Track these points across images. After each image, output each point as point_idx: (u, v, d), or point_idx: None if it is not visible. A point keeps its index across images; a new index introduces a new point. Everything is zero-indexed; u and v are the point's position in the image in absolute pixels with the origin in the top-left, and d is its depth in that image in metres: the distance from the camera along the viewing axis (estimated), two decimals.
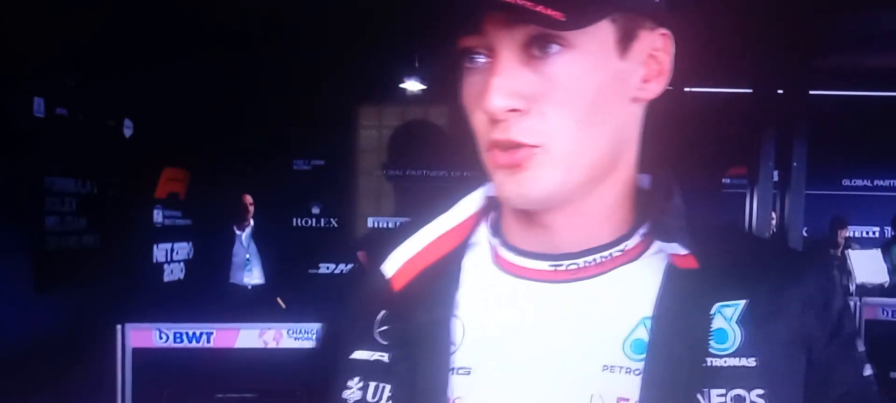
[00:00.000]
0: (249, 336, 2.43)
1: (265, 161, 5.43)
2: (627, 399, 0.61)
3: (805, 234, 5.00)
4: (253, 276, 5.06)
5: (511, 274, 0.68)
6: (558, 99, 0.59)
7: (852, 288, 4.82)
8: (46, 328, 3.35)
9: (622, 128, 0.65)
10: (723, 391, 0.61)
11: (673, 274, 0.65)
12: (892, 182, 6.82)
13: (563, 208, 0.65)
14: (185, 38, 4.23)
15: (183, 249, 5.01)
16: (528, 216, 0.66)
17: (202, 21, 4.06)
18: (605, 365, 0.63)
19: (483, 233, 0.72)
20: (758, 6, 3.71)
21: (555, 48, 0.59)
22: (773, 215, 4.83)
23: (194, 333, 2.43)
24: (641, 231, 0.67)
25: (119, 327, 2.44)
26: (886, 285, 5.18)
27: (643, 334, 0.63)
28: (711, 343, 0.62)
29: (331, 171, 6.01)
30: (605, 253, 0.66)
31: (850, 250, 5.34)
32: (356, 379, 0.67)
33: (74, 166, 3.83)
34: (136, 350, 2.48)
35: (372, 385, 0.66)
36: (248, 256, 5.03)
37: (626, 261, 0.66)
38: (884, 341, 2.94)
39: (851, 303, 2.55)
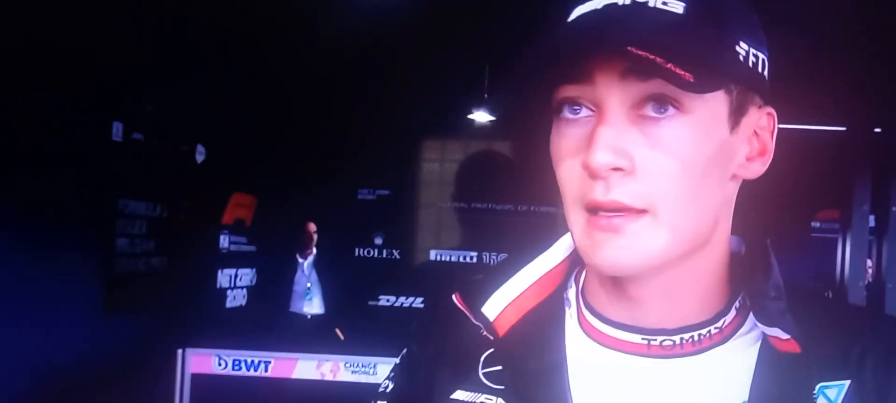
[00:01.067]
0: (307, 367, 2.40)
1: (330, 189, 5.46)
2: None
3: None
4: (313, 306, 5.06)
5: (599, 342, 0.66)
6: (669, 163, 0.57)
7: None
8: (112, 350, 3.39)
9: (721, 204, 0.63)
10: None
11: (770, 356, 0.62)
12: None
13: (655, 280, 0.62)
14: (257, 67, 4.31)
15: (246, 275, 5.07)
16: (617, 286, 0.64)
17: (274, 50, 4.13)
18: None
19: (572, 288, 0.71)
20: (855, 38, 3.53)
21: (671, 111, 0.57)
22: (869, 263, 4.51)
23: (253, 361, 2.42)
24: (736, 304, 0.66)
25: (180, 351, 2.44)
26: None
27: None
28: None
29: (395, 201, 6.01)
30: (703, 332, 0.64)
31: None
32: None
33: (147, 190, 3.91)
34: (195, 376, 2.48)
35: None
36: (309, 285, 5.03)
37: (722, 340, 0.65)
38: None
39: None
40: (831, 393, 0.61)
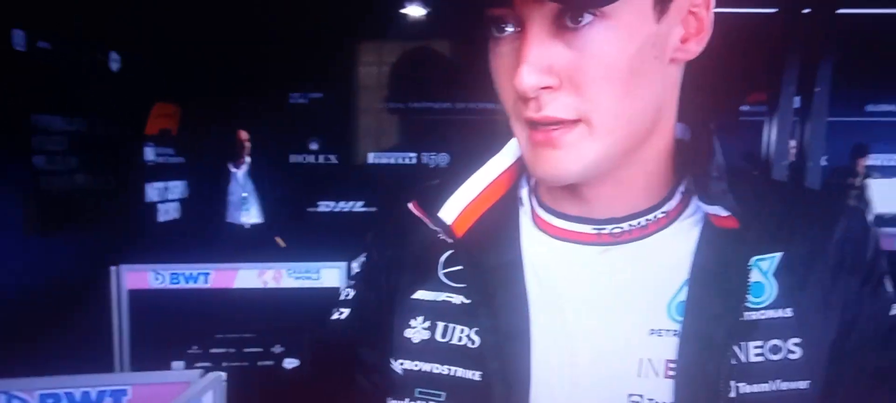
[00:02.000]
0: (248, 277, 2.37)
1: (260, 95, 5.27)
2: (675, 362, 0.62)
3: (824, 163, 4.81)
4: (250, 215, 4.98)
5: (552, 235, 0.69)
6: (594, 71, 0.57)
7: (870, 217, 4.75)
8: (40, 272, 3.29)
9: (661, 93, 0.63)
10: (760, 343, 0.62)
11: (710, 233, 0.65)
12: None
13: (603, 179, 0.64)
14: None
15: (177, 188, 4.92)
16: (566, 186, 0.66)
17: None
18: (652, 329, 0.64)
19: (524, 187, 0.73)
20: None
21: (588, 18, 0.56)
22: (792, 144, 4.68)
23: (191, 274, 2.37)
24: (681, 189, 0.68)
25: (114, 269, 2.36)
26: None
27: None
28: (748, 296, 0.63)
29: (329, 105, 5.86)
30: (650, 216, 0.67)
31: (870, 179, 5.24)
32: (420, 318, 0.69)
33: (61, 103, 3.68)
34: (132, 292, 2.41)
35: (440, 325, 0.68)
36: (244, 194, 4.93)
37: (667, 223, 0.67)
38: None
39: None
40: (764, 265, 0.64)
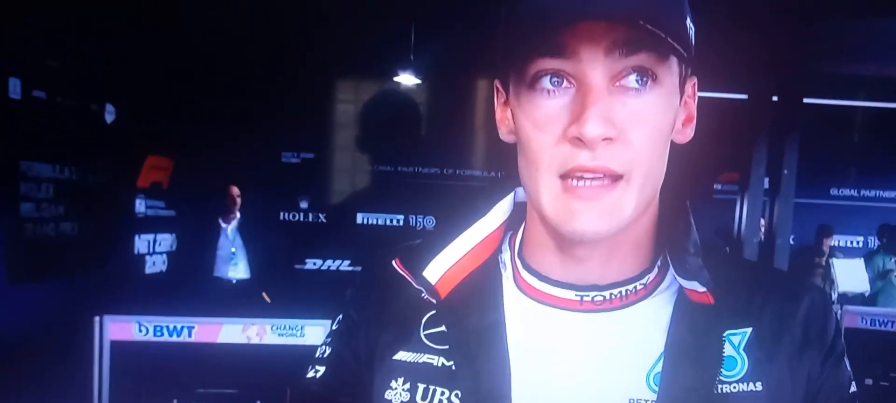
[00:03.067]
0: (233, 332, 2.34)
1: (253, 152, 5.31)
2: None
3: (792, 242, 5.00)
4: (238, 270, 4.95)
5: (535, 299, 0.70)
6: (645, 132, 0.61)
7: (834, 296, 4.86)
8: (22, 320, 3.23)
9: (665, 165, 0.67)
10: None
11: (685, 307, 0.68)
12: (877, 193, 6.89)
13: (603, 242, 0.65)
14: (171, 22, 4.11)
15: (166, 240, 4.90)
16: (563, 247, 0.67)
17: (191, 5, 3.95)
18: (631, 399, 0.65)
19: (506, 252, 0.74)
20: (757, 12, 3.73)
21: (650, 83, 0.60)
22: (762, 222, 4.85)
23: (175, 327, 2.34)
24: (658, 262, 0.70)
25: (97, 319, 2.33)
26: (867, 294, 5.36)
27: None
28: (722, 370, 0.65)
29: (320, 165, 5.91)
30: (630, 287, 0.68)
31: (834, 259, 5.47)
32: (400, 380, 0.68)
33: (52, 151, 3.69)
34: (114, 344, 2.37)
35: (421, 387, 0.67)
36: (233, 250, 4.91)
37: (645, 294, 0.69)
38: (860, 349, 2.93)
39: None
40: (736, 340, 0.67)
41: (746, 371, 0.66)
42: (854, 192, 6.91)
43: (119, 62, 3.97)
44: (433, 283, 0.70)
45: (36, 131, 3.58)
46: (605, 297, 0.68)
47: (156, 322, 2.37)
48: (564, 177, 0.61)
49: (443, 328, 0.69)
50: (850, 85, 5.99)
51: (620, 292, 0.68)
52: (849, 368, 0.71)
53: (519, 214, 0.74)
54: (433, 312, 0.70)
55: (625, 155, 0.60)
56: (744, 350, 0.66)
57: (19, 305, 3.29)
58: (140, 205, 4.63)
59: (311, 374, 0.75)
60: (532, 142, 0.63)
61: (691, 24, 0.64)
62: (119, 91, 4.17)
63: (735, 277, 0.69)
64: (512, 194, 0.74)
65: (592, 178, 0.60)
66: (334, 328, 0.77)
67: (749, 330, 0.67)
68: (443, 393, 0.66)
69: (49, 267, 3.62)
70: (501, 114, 0.70)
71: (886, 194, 6.87)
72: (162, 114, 4.48)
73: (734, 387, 0.65)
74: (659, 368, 0.66)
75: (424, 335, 0.70)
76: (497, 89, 0.71)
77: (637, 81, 0.60)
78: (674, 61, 0.62)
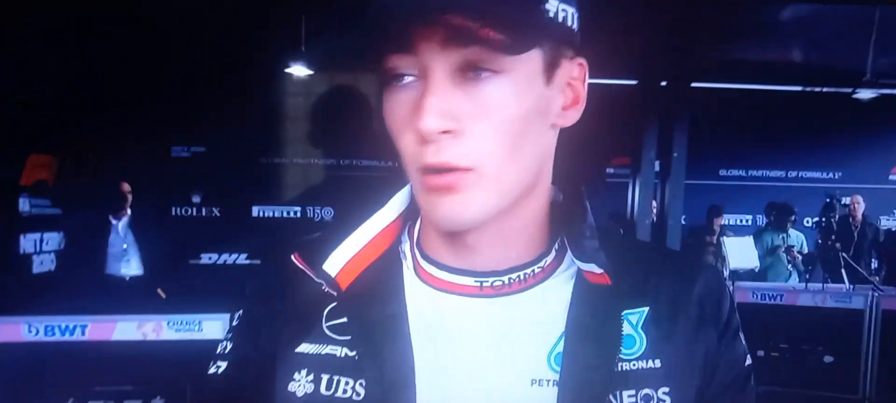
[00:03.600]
0: (128, 329, 2.37)
1: (141, 148, 5.21)
2: None
3: (684, 222, 5.22)
4: (131, 267, 4.87)
5: (435, 287, 0.71)
6: (489, 122, 0.61)
7: (726, 273, 5.16)
8: None
9: (542, 153, 0.68)
10: (632, 392, 0.66)
11: (583, 288, 0.70)
12: (765, 172, 7.16)
13: (488, 228, 0.67)
14: (51, 12, 3.98)
15: (53, 239, 4.74)
16: (453, 235, 0.68)
17: None
18: (533, 379, 0.67)
19: (406, 242, 0.74)
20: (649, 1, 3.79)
21: (487, 73, 0.61)
22: (654, 204, 5.01)
23: (67, 326, 2.34)
24: (556, 245, 0.72)
25: None
26: (757, 270, 5.49)
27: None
28: (621, 348, 0.67)
29: (211, 159, 5.84)
30: (528, 271, 0.70)
31: (724, 237, 5.56)
32: (304, 372, 0.68)
33: None
34: (2, 345, 2.37)
35: (324, 377, 0.68)
36: (125, 246, 4.83)
37: (544, 277, 0.70)
38: (752, 322, 3.22)
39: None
40: (634, 318, 0.69)
41: (645, 348, 0.68)
42: (742, 172, 7.19)
43: None
44: (333, 276, 0.70)
45: None
46: (504, 282, 0.69)
47: (46, 322, 2.36)
48: (421, 171, 0.62)
49: (345, 319, 0.70)
50: (738, 69, 6.10)
51: (519, 276, 0.69)
52: (744, 343, 0.73)
53: (416, 204, 0.72)
54: (335, 304, 0.71)
55: (470, 147, 0.61)
56: (642, 328, 0.68)
57: None
58: (24, 204, 4.49)
59: (212, 369, 0.75)
60: (395, 137, 0.65)
61: (567, 7, 0.64)
62: None
63: (631, 258, 0.71)
64: (409, 185, 0.72)
65: (442, 172, 0.61)
66: (234, 323, 0.77)
67: (646, 309, 0.69)
68: (347, 383, 0.67)
69: None
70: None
71: (773, 174, 7.17)
72: (45, 109, 4.33)
73: (634, 365, 0.67)
74: (560, 348, 0.67)
75: (326, 327, 0.70)
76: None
77: (476, 73, 0.60)
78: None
